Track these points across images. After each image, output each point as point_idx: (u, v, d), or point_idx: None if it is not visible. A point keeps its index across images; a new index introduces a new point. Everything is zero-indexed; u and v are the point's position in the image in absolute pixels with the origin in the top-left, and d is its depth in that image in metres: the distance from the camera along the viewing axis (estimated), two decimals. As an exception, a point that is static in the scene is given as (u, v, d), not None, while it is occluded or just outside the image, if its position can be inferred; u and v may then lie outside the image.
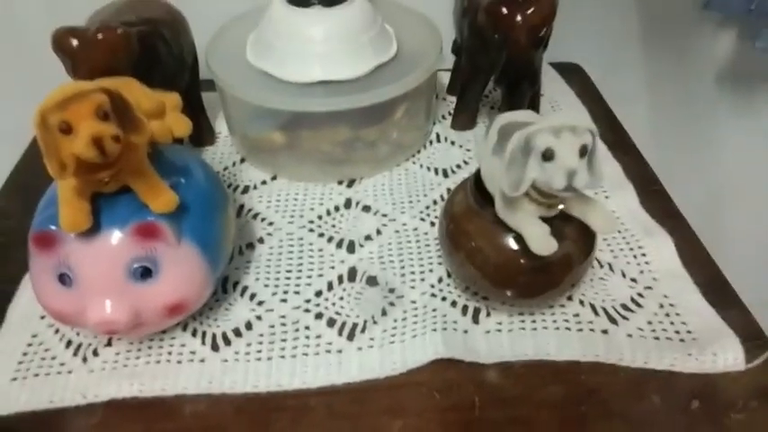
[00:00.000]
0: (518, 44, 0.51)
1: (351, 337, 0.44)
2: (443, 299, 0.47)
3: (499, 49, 0.53)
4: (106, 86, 0.34)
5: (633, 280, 0.48)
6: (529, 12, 0.50)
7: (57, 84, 0.37)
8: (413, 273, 0.49)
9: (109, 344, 0.44)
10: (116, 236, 0.37)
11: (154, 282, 0.38)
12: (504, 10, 0.50)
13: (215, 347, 0.43)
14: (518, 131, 0.35)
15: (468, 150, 0.62)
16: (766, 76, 0.87)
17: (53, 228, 0.36)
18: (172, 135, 0.41)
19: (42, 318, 0.46)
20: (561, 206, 0.40)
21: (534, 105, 0.60)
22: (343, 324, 0.45)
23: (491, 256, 0.42)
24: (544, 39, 0.53)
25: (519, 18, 0.50)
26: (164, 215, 0.38)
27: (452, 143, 0.64)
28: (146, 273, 0.38)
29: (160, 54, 0.52)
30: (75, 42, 0.45)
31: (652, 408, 0.40)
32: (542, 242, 0.37)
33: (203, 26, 0.59)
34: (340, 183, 0.58)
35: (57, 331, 0.45)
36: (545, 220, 0.40)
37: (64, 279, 0.38)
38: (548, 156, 0.34)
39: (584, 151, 0.34)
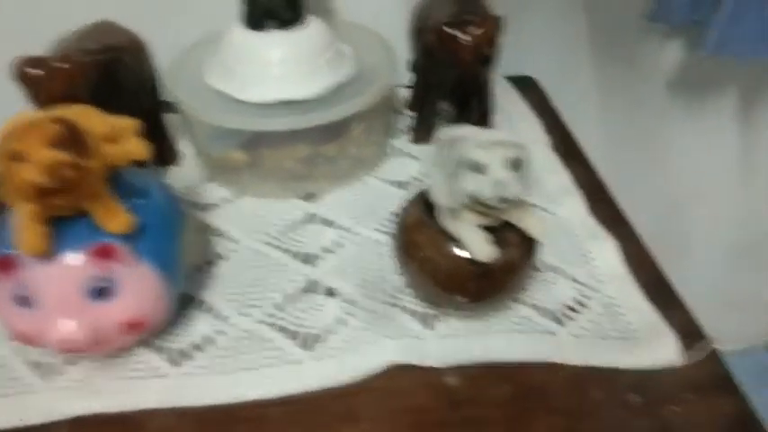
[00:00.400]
0: (464, 62, 0.53)
1: (309, 347, 0.46)
2: (399, 307, 0.49)
3: (448, 67, 0.56)
4: (60, 115, 0.36)
5: (579, 283, 0.50)
6: (474, 31, 0.52)
7: (16, 110, 0.38)
8: (371, 283, 0.51)
9: (72, 363, 0.45)
10: (74, 257, 0.39)
11: (112, 301, 0.39)
12: (451, 31, 0.53)
13: (176, 363, 0.45)
14: (454, 146, 0.37)
15: (406, 166, 0.64)
16: (713, 81, 0.91)
17: (12, 252, 0.38)
18: (130, 159, 0.43)
19: (6, 340, 0.47)
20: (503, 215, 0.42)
21: (484, 120, 0.62)
22: (303, 335, 0.47)
23: (441, 264, 0.44)
24: (490, 57, 0.55)
25: (465, 38, 0.53)
26: (121, 236, 0.40)
27: (411, 157, 0.66)
28: (104, 292, 0.39)
29: (121, 80, 0.54)
30: (35, 71, 0.47)
31: (593, 403, 0.42)
32: (480, 249, 0.40)
33: (165, 51, 0.61)
34: (301, 198, 0.60)
35: (21, 353, 0.46)
36: (489, 227, 0.42)
37: (25, 301, 0.39)
38: (478, 169, 0.36)
39: (515, 164, 0.37)
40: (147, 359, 0.45)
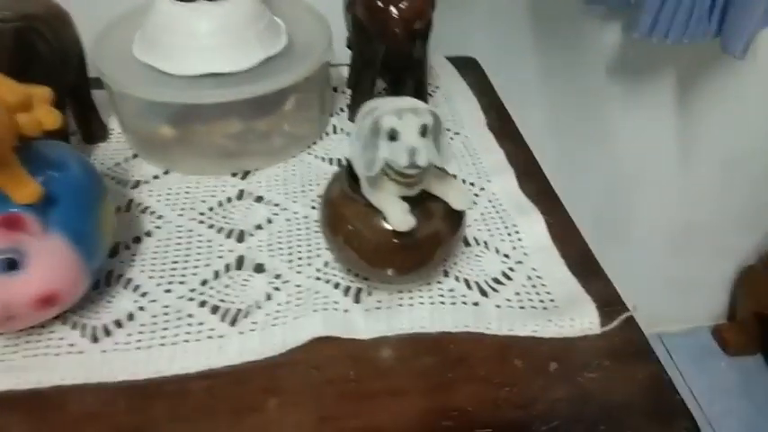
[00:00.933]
0: (395, 36, 0.53)
1: (233, 322, 0.45)
2: (327, 282, 0.49)
3: (379, 42, 0.55)
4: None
5: (506, 255, 0.51)
6: (403, 5, 0.52)
7: None
8: (300, 258, 0.51)
9: (-16, 341, 0.43)
10: (-21, 229, 0.37)
11: (21, 274, 0.38)
12: (380, 3, 0.53)
13: (95, 339, 0.44)
14: (370, 115, 0.37)
15: (336, 144, 0.64)
16: (652, 64, 0.93)
17: None
18: (41, 128, 0.41)
19: None
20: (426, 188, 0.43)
21: (420, 98, 0.62)
22: (227, 311, 0.46)
23: (367, 237, 0.44)
24: (422, 31, 0.55)
25: (394, 11, 0.52)
26: (30, 207, 0.38)
27: (348, 134, 0.66)
28: (13, 265, 0.38)
29: (38, 50, 0.52)
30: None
31: (514, 371, 0.43)
32: (400, 218, 0.40)
33: (93, 23, 0.59)
34: (234, 175, 0.59)
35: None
36: (412, 199, 0.42)
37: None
38: (392, 136, 0.36)
39: (428, 131, 0.37)
40: (65, 336, 0.44)
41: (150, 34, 0.57)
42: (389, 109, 0.36)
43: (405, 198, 0.42)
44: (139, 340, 0.44)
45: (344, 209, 0.45)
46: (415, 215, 0.41)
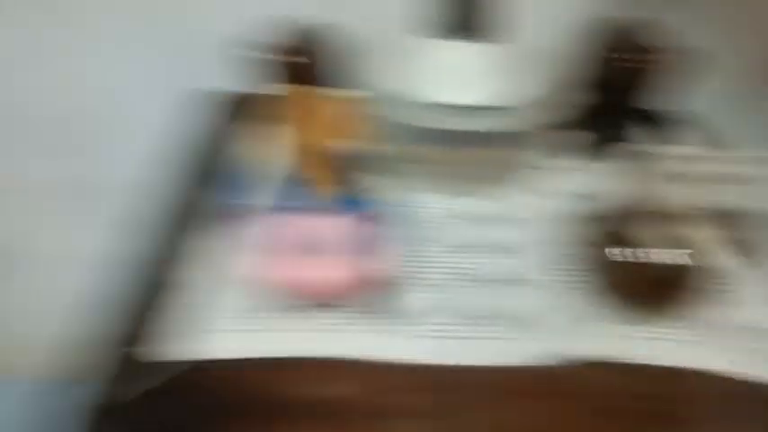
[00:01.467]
0: (618, 86, 0.61)
1: (515, 330, 0.51)
2: (587, 307, 0.53)
3: (613, 88, 0.63)
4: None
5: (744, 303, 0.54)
6: (630, 56, 0.59)
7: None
8: (562, 283, 0.55)
9: (293, 308, 0.50)
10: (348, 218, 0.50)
11: (367, 256, 0.48)
12: (608, 54, 0.60)
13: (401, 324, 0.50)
14: (649, 158, 0.43)
15: (580, 179, 0.68)
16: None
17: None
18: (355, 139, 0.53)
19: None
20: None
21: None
22: (509, 319, 0.52)
23: (625, 271, 0.49)
24: (642, 84, 0.61)
25: (620, 62, 0.60)
26: (379, 205, 0.51)
27: (563, 171, 0.70)
28: (361, 250, 0.48)
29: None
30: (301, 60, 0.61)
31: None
32: (667, 253, 0.45)
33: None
34: (470, 197, 0.67)
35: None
36: (671, 238, 0.47)
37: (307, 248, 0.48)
38: (671, 180, 0.42)
39: (707, 178, 0.43)
40: (344, 315, 0.50)
41: (412, 65, 0.64)
42: (671, 154, 0.42)
43: (664, 235, 0.47)
44: (437, 331, 0.50)
45: (603, 238, 0.50)
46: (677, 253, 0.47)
